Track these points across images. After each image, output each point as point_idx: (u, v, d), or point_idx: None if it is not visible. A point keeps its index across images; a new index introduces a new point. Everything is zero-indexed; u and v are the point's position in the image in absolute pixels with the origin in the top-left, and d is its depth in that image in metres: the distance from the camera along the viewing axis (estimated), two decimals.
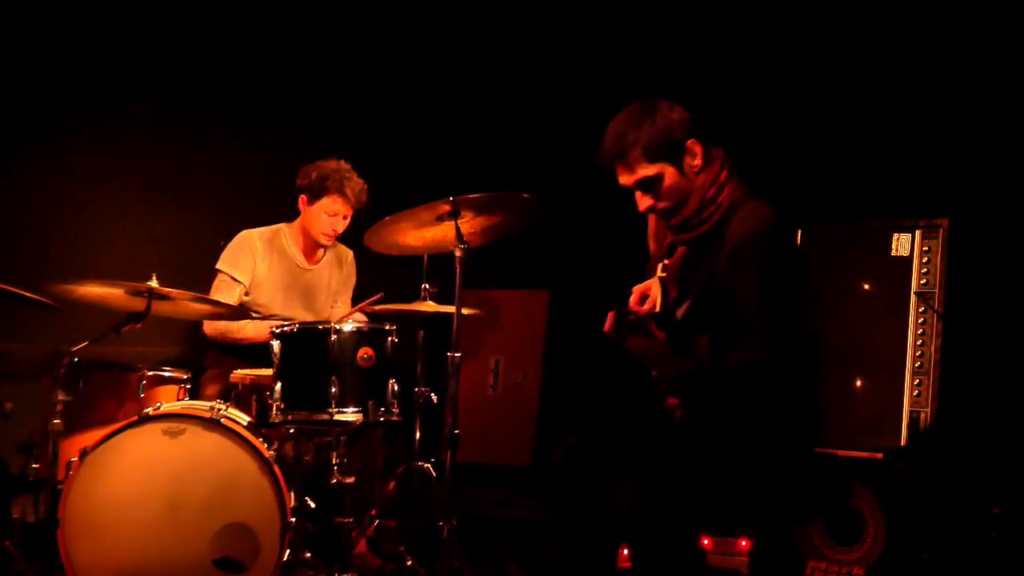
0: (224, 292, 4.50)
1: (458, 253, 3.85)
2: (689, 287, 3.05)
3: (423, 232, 4.05)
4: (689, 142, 2.98)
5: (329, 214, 4.54)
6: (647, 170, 2.97)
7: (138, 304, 3.78)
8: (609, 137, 3.02)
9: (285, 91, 5.42)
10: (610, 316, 3.14)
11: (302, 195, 4.59)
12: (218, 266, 4.56)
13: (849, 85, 4.77)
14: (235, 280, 4.53)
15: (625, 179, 3.02)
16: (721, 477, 2.95)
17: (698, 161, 2.99)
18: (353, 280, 4.86)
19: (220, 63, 5.22)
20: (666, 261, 3.11)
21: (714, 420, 3.02)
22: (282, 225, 4.70)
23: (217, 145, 5.26)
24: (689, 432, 3.05)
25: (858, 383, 4.21)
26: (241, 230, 4.64)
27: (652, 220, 3.25)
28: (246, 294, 4.56)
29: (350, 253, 4.82)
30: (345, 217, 4.58)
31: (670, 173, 2.97)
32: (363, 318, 4.43)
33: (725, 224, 2.97)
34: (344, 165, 4.55)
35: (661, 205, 3.01)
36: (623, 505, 2.84)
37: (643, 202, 3.03)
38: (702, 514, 3.11)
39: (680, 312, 3.06)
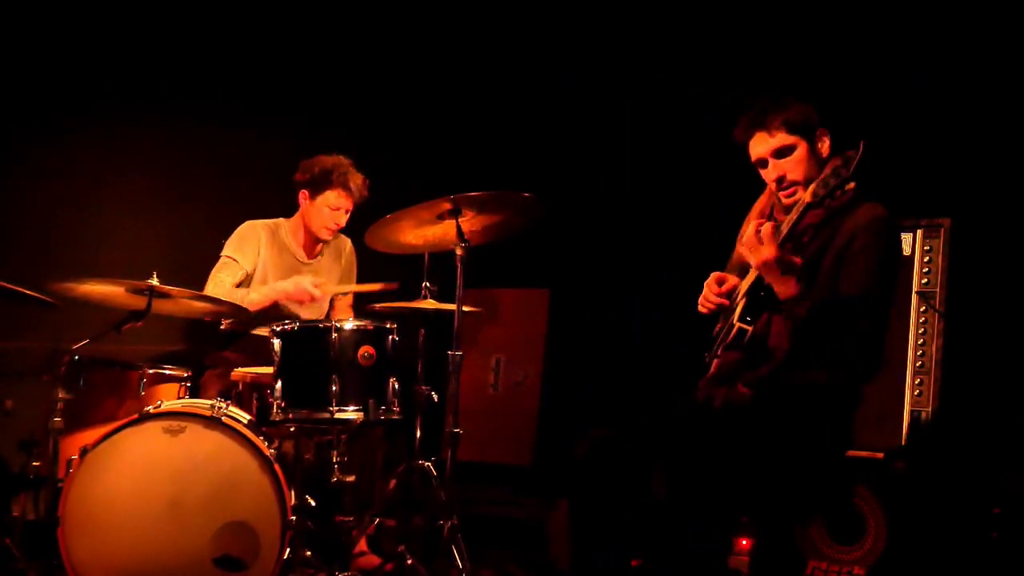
0: (225, 272, 4.50)
1: (459, 251, 3.86)
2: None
3: (424, 230, 4.06)
4: (821, 129, 3.27)
5: (331, 208, 4.56)
6: (786, 139, 3.23)
7: (139, 302, 3.79)
8: (752, 111, 3.28)
9: (286, 89, 5.42)
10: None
11: (303, 190, 4.60)
12: (223, 252, 4.58)
13: (849, 84, 4.76)
14: (237, 263, 4.54)
15: (761, 148, 3.27)
16: (773, 467, 3.07)
17: (826, 149, 3.26)
18: (354, 270, 4.87)
19: (221, 61, 5.23)
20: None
21: (772, 406, 3.13)
22: (281, 220, 4.71)
23: (218, 143, 5.27)
24: (734, 419, 3.16)
25: None
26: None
27: (763, 202, 3.44)
28: (246, 283, 4.57)
29: (348, 242, 4.83)
30: (347, 211, 4.59)
31: (804, 148, 3.24)
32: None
33: (845, 213, 3.19)
34: (345, 159, 4.58)
35: (791, 176, 3.24)
36: (660, 491, 2.91)
37: (775, 170, 3.25)
38: (745, 503, 3.19)
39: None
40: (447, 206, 3.85)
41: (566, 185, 5.46)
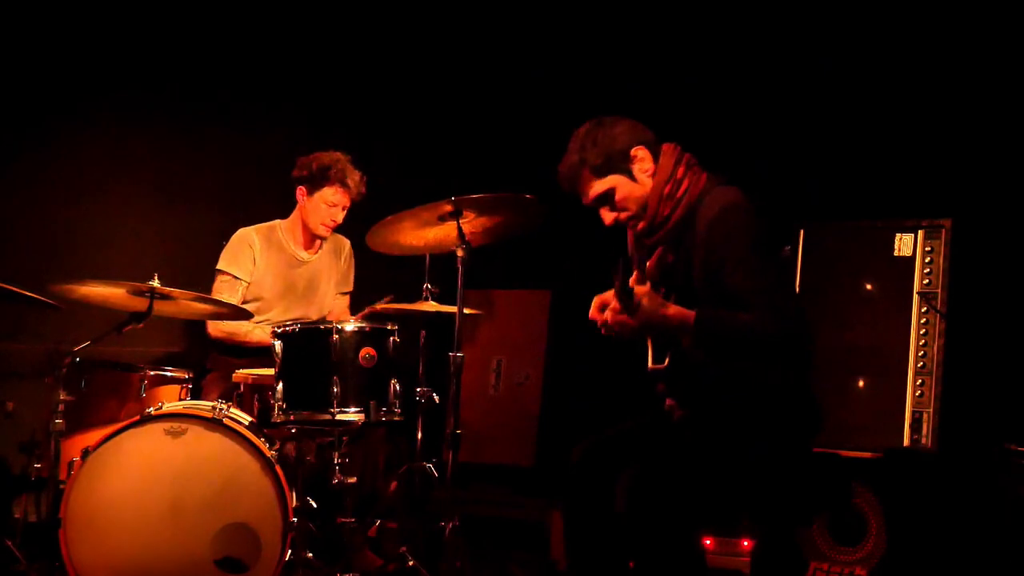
0: (226, 292, 4.52)
1: (460, 253, 3.85)
2: (671, 285, 3.07)
3: (425, 232, 4.06)
4: (633, 150, 3.11)
5: (329, 204, 4.57)
6: (599, 186, 3.11)
7: (140, 304, 3.80)
8: (561, 167, 3.16)
9: (287, 90, 5.43)
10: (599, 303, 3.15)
11: (300, 186, 4.61)
12: (218, 266, 4.58)
13: (850, 84, 4.77)
14: (236, 278, 4.56)
15: (585, 199, 3.16)
16: (719, 477, 2.99)
17: (648, 165, 3.11)
18: (352, 271, 4.88)
19: (222, 60, 5.23)
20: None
21: (711, 419, 3.05)
22: (276, 222, 4.72)
23: (220, 143, 5.28)
24: (686, 432, 3.09)
25: (860, 383, 4.21)
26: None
27: (630, 236, 3.29)
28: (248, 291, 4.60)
29: (347, 243, 4.84)
30: (344, 208, 4.60)
31: (622, 183, 3.10)
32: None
33: (693, 215, 3.05)
34: (342, 156, 4.59)
35: (623, 216, 3.14)
36: (621, 504, 2.88)
37: (607, 216, 3.17)
38: (701, 514, 3.14)
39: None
40: (448, 208, 3.85)
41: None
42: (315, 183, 4.57)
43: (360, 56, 5.64)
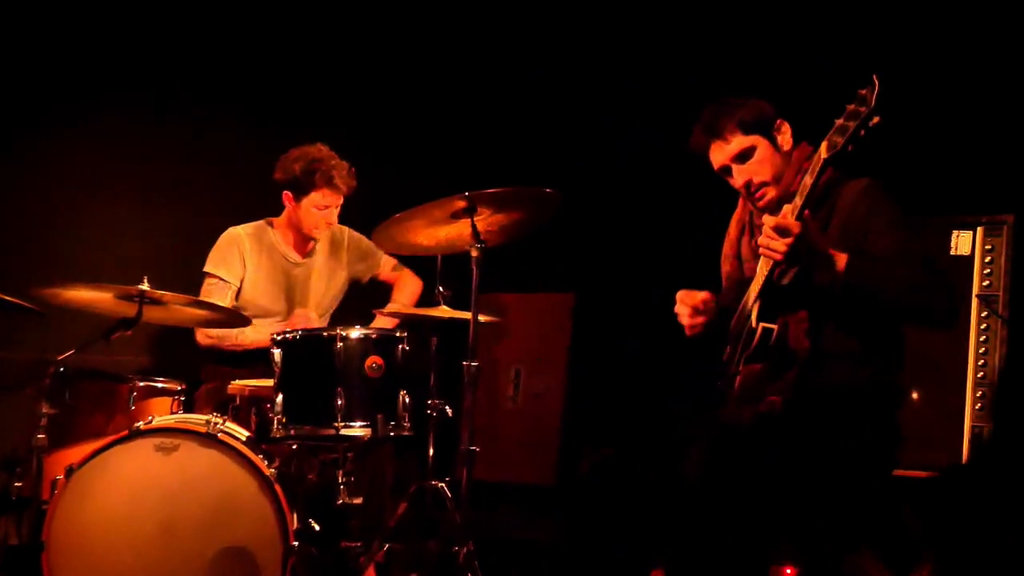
0: (216, 297, 4.54)
1: (474, 253, 3.86)
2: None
3: (436, 230, 4.06)
4: (779, 121, 3.37)
5: (319, 208, 4.60)
6: (742, 141, 3.35)
7: (128, 309, 3.83)
8: (703, 118, 3.38)
9: (283, 84, 5.48)
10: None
11: (285, 191, 4.64)
12: (206, 268, 4.62)
13: (903, 76, 4.76)
14: (224, 281, 4.59)
15: (720, 156, 3.39)
16: (788, 492, 3.09)
17: (788, 140, 3.37)
18: (365, 245, 4.89)
19: (213, 55, 5.29)
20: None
21: (794, 422, 3.16)
22: (267, 221, 4.76)
23: (212, 141, 5.33)
24: (761, 436, 3.19)
25: (914, 395, 4.21)
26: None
27: (729, 240, 3.55)
28: (237, 296, 4.63)
29: (345, 230, 4.87)
30: (337, 206, 4.63)
31: (764, 146, 3.36)
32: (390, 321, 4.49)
33: (826, 197, 3.25)
34: (325, 150, 4.60)
35: (758, 179, 3.34)
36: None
37: (740, 177, 3.36)
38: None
39: (786, 280, 3.24)
40: (461, 204, 3.85)
41: (592, 178, 5.47)
42: (300, 188, 4.59)
43: (359, 44, 5.66)
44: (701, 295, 3.48)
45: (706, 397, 3.49)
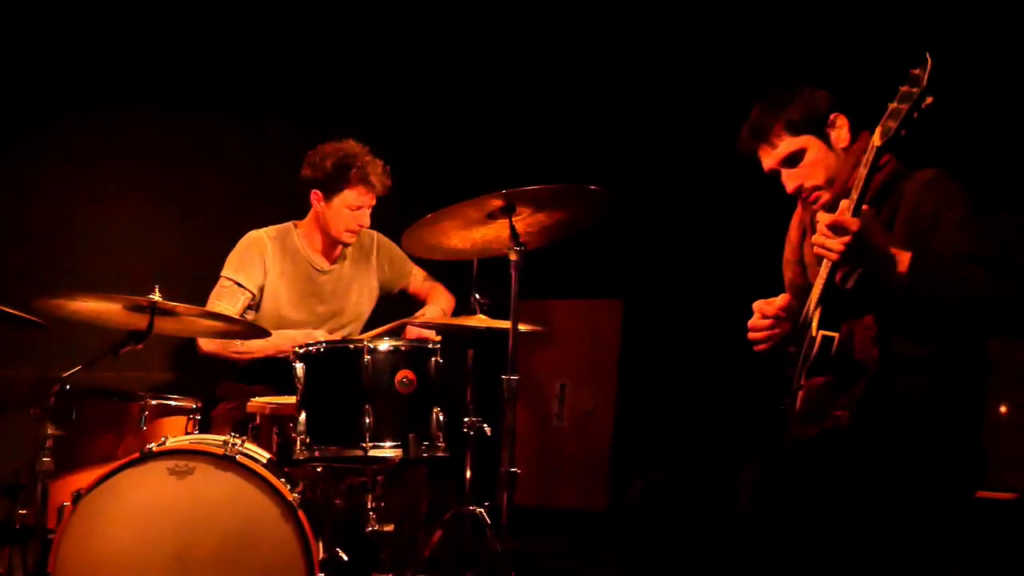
0: (226, 300, 4.58)
1: (513, 256, 3.85)
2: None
3: (472, 232, 4.08)
4: (834, 115, 3.33)
5: (352, 208, 4.62)
6: (790, 144, 3.34)
7: (139, 321, 3.85)
8: (750, 119, 3.37)
9: (301, 78, 5.54)
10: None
11: (314, 190, 4.66)
12: (223, 272, 4.65)
13: (964, 53, 4.73)
14: (239, 287, 4.62)
15: (769, 160, 3.39)
16: (857, 518, 3.07)
17: (845, 135, 3.34)
18: (396, 251, 4.91)
19: (232, 54, 5.36)
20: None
21: (863, 438, 3.15)
22: (291, 224, 4.79)
23: (229, 142, 5.39)
24: (828, 454, 3.19)
25: (1002, 409, 4.18)
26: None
27: (790, 244, 3.55)
28: (255, 306, 4.67)
29: (374, 235, 4.90)
30: (370, 207, 4.65)
31: (816, 146, 3.34)
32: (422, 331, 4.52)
33: (889, 191, 3.24)
34: (359, 147, 4.62)
35: (809, 183, 3.34)
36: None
37: (791, 182, 3.36)
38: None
39: (850, 283, 3.24)
40: (498, 203, 3.86)
41: (642, 173, 5.47)
42: (332, 186, 4.62)
43: (383, 37, 5.71)
44: (779, 301, 3.47)
45: (770, 413, 3.48)
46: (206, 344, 4.56)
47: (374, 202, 4.66)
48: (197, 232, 5.23)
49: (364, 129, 4.79)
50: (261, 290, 4.67)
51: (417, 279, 4.99)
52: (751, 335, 3.50)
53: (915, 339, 3.17)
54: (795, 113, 3.33)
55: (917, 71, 2.98)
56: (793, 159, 3.34)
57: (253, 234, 4.73)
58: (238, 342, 4.52)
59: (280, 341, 4.47)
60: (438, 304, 4.93)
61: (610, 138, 5.64)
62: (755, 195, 4.52)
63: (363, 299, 4.88)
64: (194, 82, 5.31)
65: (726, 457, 3.35)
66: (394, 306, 4.97)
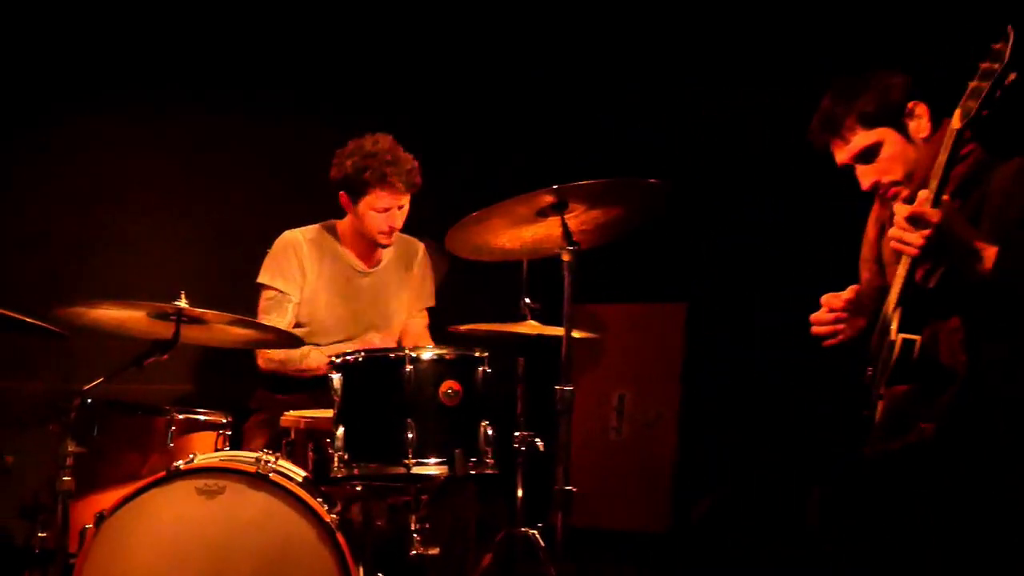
0: (275, 312, 4.61)
1: (566, 257, 3.84)
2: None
3: (521, 231, 4.07)
4: (912, 103, 3.29)
5: (378, 211, 4.62)
6: (864, 138, 3.32)
7: (165, 329, 3.87)
8: (820, 110, 3.36)
9: (336, 71, 5.56)
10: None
11: (342, 192, 4.67)
12: (260, 280, 4.67)
13: None
14: (283, 294, 4.64)
15: (841, 155, 3.37)
16: (947, 541, 3.05)
17: (925, 124, 3.30)
18: (430, 280, 4.95)
19: (261, 43, 5.39)
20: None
21: (954, 451, 3.11)
22: (333, 221, 4.80)
23: (258, 139, 5.41)
24: (913, 468, 3.15)
25: None
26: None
27: (867, 241, 3.54)
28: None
29: (420, 247, 4.91)
30: (401, 207, 4.65)
31: (892, 139, 3.30)
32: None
33: (974, 184, 3.21)
34: (384, 143, 4.61)
35: (887, 179, 3.32)
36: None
37: (866, 179, 3.34)
38: None
39: (932, 282, 3.22)
40: (550, 199, 3.85)
41: (706, 166, 5.44)
42: (355, 189, 4.63)
43: (420, 25, 5.70)
44: (845, 294, 3.45)
45: (847, 424, 3.45)
46: (266, 363, 4.61)
47: (403, 202, 4.65)
48: (226, 233, 5.25)
49: (402, 123, 4.80)
50: (301, 292, 4.69)
51: (422, 321, 4.99)
52: (815, 329, 3.49)
53: (1005, 341, 3.11)
54: (868, 104, 3.30)
55: (999, 45, 2.94)
56: (868, 154, 3.32)
57: (288, 235, 4.74)
58: (297, 357, 4.55)
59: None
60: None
61: (669, 127, 5.61)
62: (827, 187, 4.51)
63: (401, 306, 4.89)
64: (222, 77, 5.35)
65: (797, 472, 3.33)
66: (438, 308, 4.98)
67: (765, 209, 5.39)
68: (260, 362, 4.63)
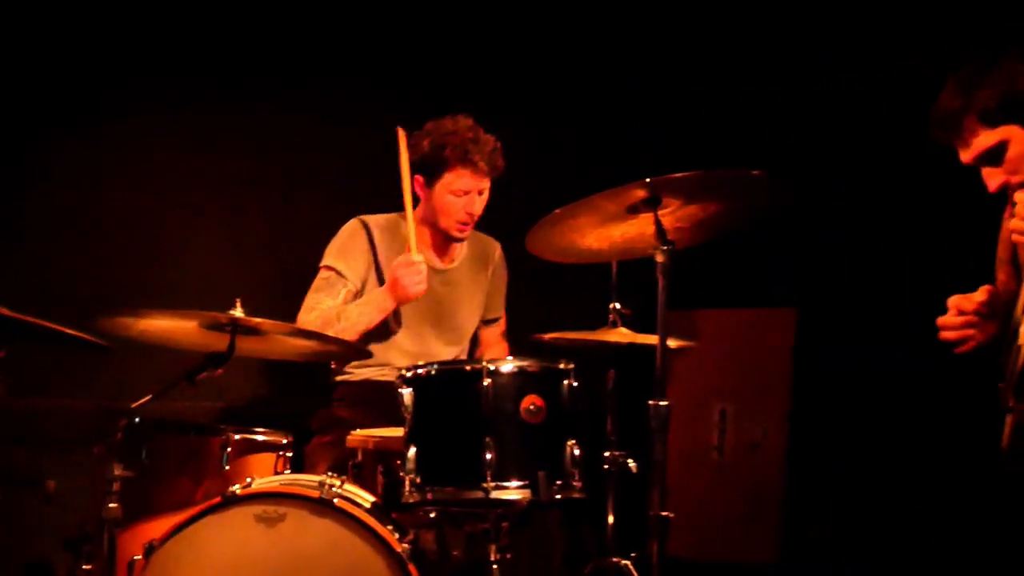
0: (324, 292, 4.64)
1: (660, 258, 3.82)
2: None
3: (609, 230, 4.05)
4: None
5: (457, 194, 4.65)
6: (987, 139, 3.31)
7: (218, 341, 3.90)
8: (937, 106, 3.35)
9: (409, 55, 5.59)
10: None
11: (416, 175, 4.70)
12: (322, 262, 4.71)
13: None
14: (341, 276, 4.67)
15: (965, 155, 3.37)
16: None
17: None
18: (504, 286, 4.98)
19: (332, 24, 5.44)
20: None
21: None
22: (405, 213, 4.80)
23: (321, 135, 5.44)
24: None
25: None
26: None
27: (1002, 241, 3.52)
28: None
29: (497, 247, 4.95)
30: (480, 192, 4.67)
31: (1019, 137, 3.27)
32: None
33: None
34: (464, 122, 4.65)
35: (1017, 179, 3.30)
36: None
37: (992, 180, 3.34)
38: None
39: None
40: (641, 194, 3.82)
41: (816, 155, 5.40)
42: (431, 169, 4.66)
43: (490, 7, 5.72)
44: (977, 296, 3.42)
45: (980, 444, 3.41)
46: (306, 325, 4.57)
47: (484, 186, 4.69)
48: (286, 237, 5.28)
49: (473, 99, 4.82)
50: (364, 284, 4.71)
51: (501, 326, 5.04)
52: (943, 334, 3.46)
53: None
54: (990, 99, 3.28)
55: None
56: (993, 155, 3.31)
57: (357, 220, 4.80)
58: (334, 315, 4.55)
59: (382, 298, 4.55)
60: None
61: (775, 113, 5.58)
62: (956, 178, 4.46)
63: (474, 309, 4.92)
64: (283, 59, 5.37)
65: (922, 497, 3.30)
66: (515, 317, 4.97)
67: (884, 202, 5.34)
68: (299, 323, 4.59)
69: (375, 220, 4.79)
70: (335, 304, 4.60)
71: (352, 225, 4.77)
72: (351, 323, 4.54)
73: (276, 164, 5.39)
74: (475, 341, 5.01)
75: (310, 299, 4.62)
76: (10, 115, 4.99)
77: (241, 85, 5.32)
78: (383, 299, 4.56)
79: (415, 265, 4.50)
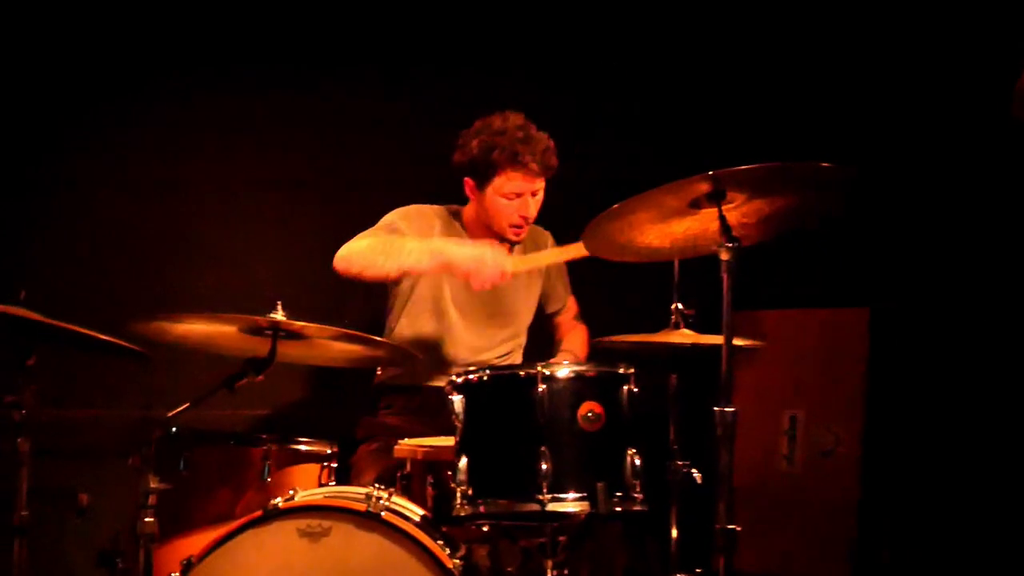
0: (380, 230, 4.65)
1: (724, 255, 3.79)
2: None
3: (670, 226, 4.04)
4: None
5: (508, 197, 4.67)
6: None
7: (259, 346, 3.93)
8: (1021, 83, 3.35)
9: (453, 41, 5.63)
10: None
11: (467, 178, 4.73)
12: (381, 222, 4.70)
13: None
14: (401, 231, 4.66)
15: None
16: None
17: None
18: (563, 273, 5.02)
19: (373, 16, 5.48)
20: None
21: None
22: (456, 207, 4.88)
23: (367, 134, 5.48)
24: None
25: None
26: None
27: None
28: (408, 286, 4.76)
29: (549, 237, 4.97)
30: (534, 194, 4.68)
31: None
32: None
33: None
34: (514, 120, 4.66)
35: None
36: None
37: None
38: None
39: None
40: (705, 187, 3.80)
41: (891, 147, 5.40)
42: (482, 172, 4.68)
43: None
44: None
45: None
46: (341, 264, 4.56)
47: (537, 188, 4.70)
48: (329, 237, 5.28)
49: (527, 91, 4.83)
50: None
51: (571, 310, 5.09)
52: None
53: None
54: None
55: None
56: None
57: (418, 206, 4.82)
58: (379, 251, 4.53)
59: (441, 251, 4.48)
60: (572, 349, 5.02)
61: (848, 103, 5.59)
62: None
63: (529, 308, 4.95)
64: (322, 53, 5.41)
65: (1009, 512, 3.29)
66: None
67: (963, 197, 5.33)
68: (337, 265, 4.58)
69: (434, 209, 4.84)
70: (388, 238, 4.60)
71: (414, 208, 4.79)
72: (397, 253, 4.51)
73: (318, 166, 5.42)
74: (552, 332, 5.05)
75: (361, 234, 4.61)
76: (45, 118, 5.06)
77: (284, 87, 5.35)
78: (441, 253, 4.47)
79: (504, 272, 4.45)
